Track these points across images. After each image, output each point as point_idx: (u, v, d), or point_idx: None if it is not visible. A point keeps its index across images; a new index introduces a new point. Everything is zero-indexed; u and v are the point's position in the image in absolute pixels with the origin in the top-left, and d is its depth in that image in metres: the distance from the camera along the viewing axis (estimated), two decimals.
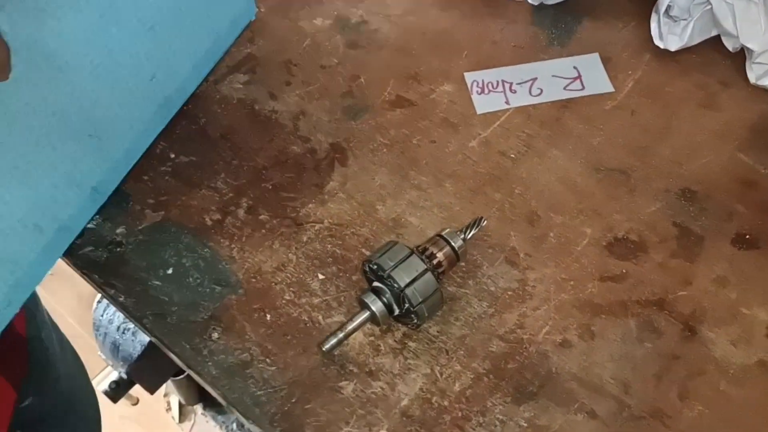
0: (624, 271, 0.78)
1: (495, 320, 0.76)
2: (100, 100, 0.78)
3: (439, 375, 0.73)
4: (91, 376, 1.33)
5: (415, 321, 0.73)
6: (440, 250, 0.75)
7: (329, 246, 0.83)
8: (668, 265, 0.78)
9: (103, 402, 1.36)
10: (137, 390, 1.55)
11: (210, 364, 0.76)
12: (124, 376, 1.52)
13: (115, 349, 1.50)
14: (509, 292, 0.78)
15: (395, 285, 0.70)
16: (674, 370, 0.72)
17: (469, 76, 0.95)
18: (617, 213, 0.82)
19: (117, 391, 1.54)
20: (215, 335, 0.78)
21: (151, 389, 1.56)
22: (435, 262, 0.74)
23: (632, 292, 0.77)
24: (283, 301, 0.79)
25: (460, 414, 0.71)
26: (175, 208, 0.87)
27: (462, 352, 0.74)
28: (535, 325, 0.75)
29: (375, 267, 0.72)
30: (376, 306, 0.72)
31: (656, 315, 0.75)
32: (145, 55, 0.82)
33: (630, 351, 0.73)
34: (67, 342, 1.11)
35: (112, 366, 1.55)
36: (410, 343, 0.75)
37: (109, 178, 0.86)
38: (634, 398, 0.71)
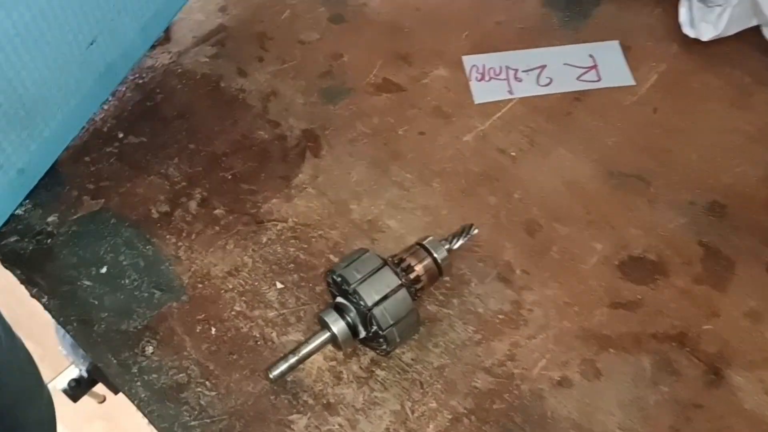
0: (639, 297, 0.65)
1: (482, 349, 0.63)
2: (26, 67, 0.65)
3: (410, 413, 0.60)
4: (55, 372, 1.21)
5: (384, 347, 0.59)
6: (420, 262, 0.61)
7: (292, 249, 0.70)
8: (692, 292, 0.65)
9: (66, 401, 1.25)
10: (104, 387, 1.43)
11: (139, 384, 0.63)
12: (85, 374, 1.40)
13: (75, 345, 1.38)
14: (500, 316, 0.64)
15: (361, 303, 0.57)
16: (694, 421, 0.59)
17: (468, 60, 0.82)
18: (633, 227, 0.69)
19: (77, 390, 1.42)
20: (149, 349, 0.65)
21: (115, 389, 1.44)
22: (412, 276, 0.61)
23: (648, 323, 0.63)
24: (233, 313, 0.66)
25: None
26: (117, 196, 0.75)
27: (439, 386, 0.61)
28: (530, 358, 0.62)
29: (339, 279, 0.59)
30: (338, 327, 0.59)
31: (675, 353, 0.62)
32: (83, 14, 0.69)
33: (642, 395, 0.60)
34: (20, 343, 0.99)
35: (73, 363, 1.43)
36: (378, 372, 0.62)
37: (38, 158, 0.73)
38: None
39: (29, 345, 1.02)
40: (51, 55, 0.67)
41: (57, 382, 1.38)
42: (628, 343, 0.63)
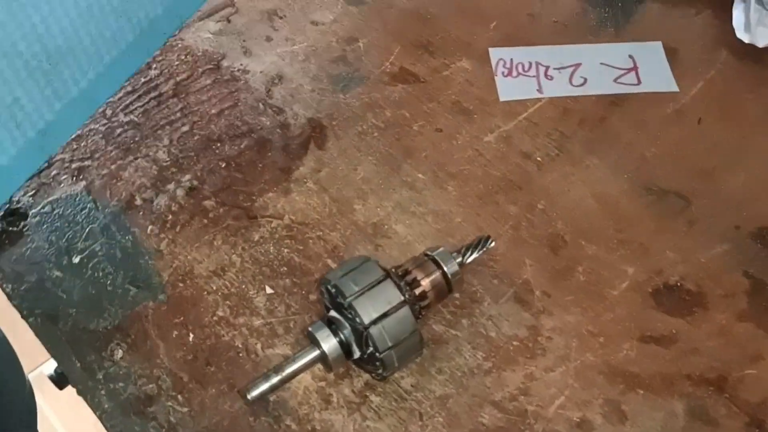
0: (674, 331, 0.56)
1: (491, 379, 0.55)
2: (54, 12, 0.57)
3: None
4: (46, 356, 1.15)
5: (381, 371, 0.51)
6: (427, 275, 0.53)
7: (286, 251, 0.62)
8: (734, 330, 0.56)
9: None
10: None
11: (103, 392, 0.56)
12: None
13: None
14: (515, 342, 0.56)
15: (357, 320, 0.49)
16: None
17: (495, 53, 0.73)
18: (670, 250, 0.60)
19: (63, 377, 1.35)
20: (118, 353, 0.57)
21: None
22: (417, 292, 0.53)
23: (682, 362, 0.55)
24: (215, 318, 0.59)
25: None
26: (99, 179, 0.67)
27: (441, 419, 0.53)
28: (546, 394, 0.54)
29: (334, 290, 0.51)
30: (329, 345, 0.51)
31: (712, 399, 0.54)
32: None
33: None
34: None
35: None
36: (373, 398, 0.54)
37: (63, 119, 0.65)
38: None
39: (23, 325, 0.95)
40: (85, 2, 0.59)
41: (44, 367, 1.31)
42: (658, 383, 0.54)
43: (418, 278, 0.53)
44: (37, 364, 1.26)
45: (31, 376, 1.22)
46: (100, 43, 0.63)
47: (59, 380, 1.37)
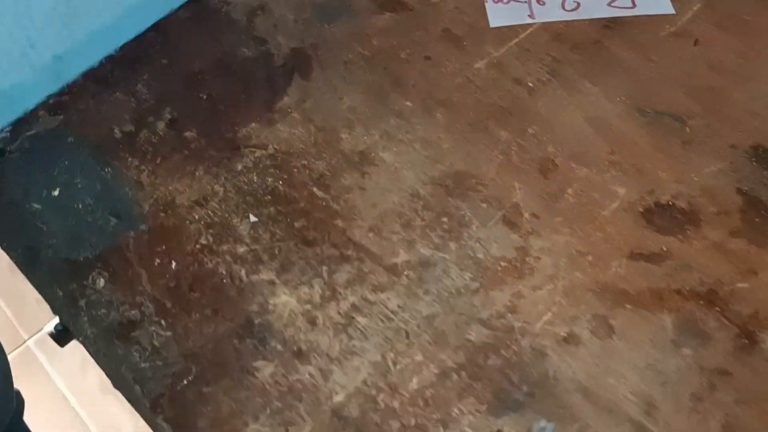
0: (664, 248, 0.61)
1: (479, 298, 0.59)
2: None
3: (392, 365, 0.57)
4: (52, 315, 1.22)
5: None
6: None
7: (270, 180, 0.67)
8: (726, 246, 0.61)
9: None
10: None
11: (86, 319, 0.61)
12: None
13: None
14: (503, 263, 0.61)
15: None
16: (721, 390, 0.55)
17: None
18: (663, 170, 0.65)
19: (65, 334, 1.41)
20: (100, 282, 0.62)
21: None
22: None
23: (673, 278, 0.60)
24: (197, 246, 0.63)
25: (413, 421, 0.55)
26: (77, 113, 0.72)
27: (428, 338, 0.58)
28: (533, 311, 0.59)
29: None
30: None
31: (703, 312, 0.58)
32: None
33: (661, 359, 0.56)
34: None
35: None
36: (359, 319, 0.59)
37: (83, 48, 0.69)
38: (659, 425, 0.54)
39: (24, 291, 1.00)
40: None
41: (48, 325, 1.37)
42: (648, 299, 0.59)
43: None
44: (41, 326, 1.32)
45: (33, 340, 1.29)
46: None
47: (60, 337, 1.43)
